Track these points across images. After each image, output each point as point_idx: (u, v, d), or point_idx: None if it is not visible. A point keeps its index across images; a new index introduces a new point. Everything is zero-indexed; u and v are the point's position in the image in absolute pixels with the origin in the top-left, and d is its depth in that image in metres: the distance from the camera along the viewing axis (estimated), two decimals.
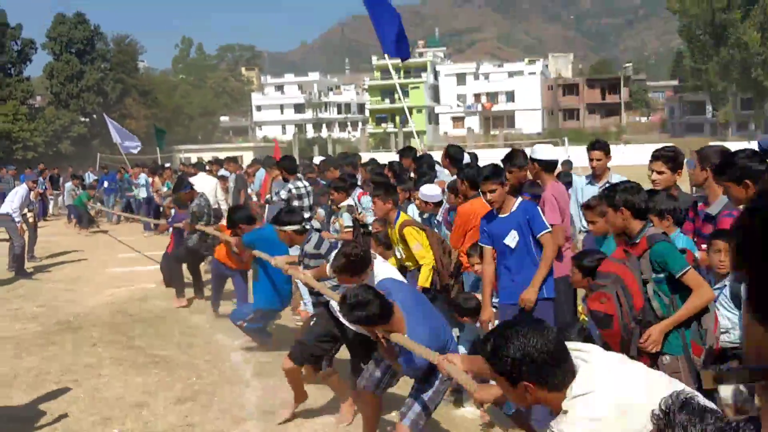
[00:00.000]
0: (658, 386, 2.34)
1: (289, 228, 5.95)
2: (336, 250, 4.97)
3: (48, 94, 65.61)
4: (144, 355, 7.40)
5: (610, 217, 4.09)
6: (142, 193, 19.41)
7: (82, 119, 62.98)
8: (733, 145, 4.94)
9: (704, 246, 4.45)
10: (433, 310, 4.42)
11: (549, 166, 5.97)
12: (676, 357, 3.89)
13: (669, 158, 5.13)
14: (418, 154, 10.24)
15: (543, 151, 6.05)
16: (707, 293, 3.86)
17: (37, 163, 32.71)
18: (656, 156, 5.19)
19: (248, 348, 7.45)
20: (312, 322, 5.63)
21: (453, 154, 7.85)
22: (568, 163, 13.38)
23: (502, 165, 5.76)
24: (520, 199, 5.41)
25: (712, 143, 4.96)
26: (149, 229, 17.55)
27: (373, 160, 11.70)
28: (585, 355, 2.49)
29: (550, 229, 5.18)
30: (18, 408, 5.94)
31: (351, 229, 8.49)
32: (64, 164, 46.75)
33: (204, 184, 11.43)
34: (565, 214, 5.80)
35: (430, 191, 7.04)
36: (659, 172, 5.15)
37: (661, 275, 3.86)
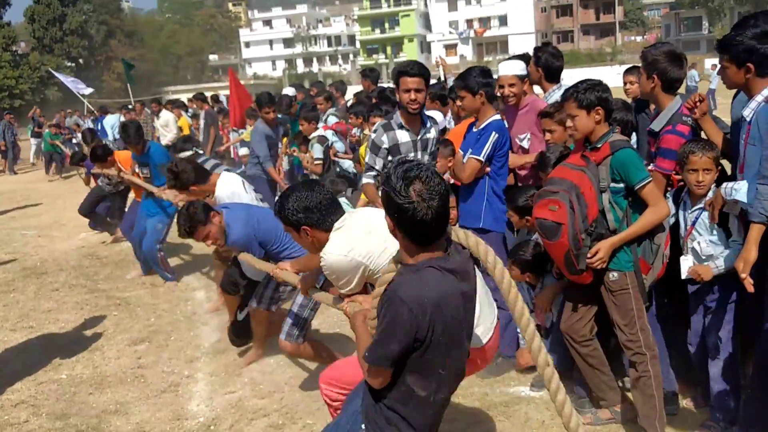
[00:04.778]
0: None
1: (183, 154, 6.78)
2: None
3: (31, 40, 64.32)
4: (106, 298, 7.28)
5: (581, 119, 3.66)
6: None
7: (68, 64, 61.83)
8: None
9: (650, 166, 4.15)
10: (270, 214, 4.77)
11: None
12: (624, 273, 3.70)
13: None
14: None
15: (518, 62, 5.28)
16: (663, 210, 3.62)
17: (26, 111, 31.92)
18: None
19: (212, 287, 7.31)
20: None
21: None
22: None
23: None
24: (496, 117, 4.77)
25: (660, 43, 4.46)
26: None
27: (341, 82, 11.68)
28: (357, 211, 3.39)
29: (478, 158, 4.61)
30: None
31: (321, 162, 8.15)
32: (51, 110, 45.94)
33: (164, 119, 12.33)
34: None
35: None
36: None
37: (620, 185, 3.59)
